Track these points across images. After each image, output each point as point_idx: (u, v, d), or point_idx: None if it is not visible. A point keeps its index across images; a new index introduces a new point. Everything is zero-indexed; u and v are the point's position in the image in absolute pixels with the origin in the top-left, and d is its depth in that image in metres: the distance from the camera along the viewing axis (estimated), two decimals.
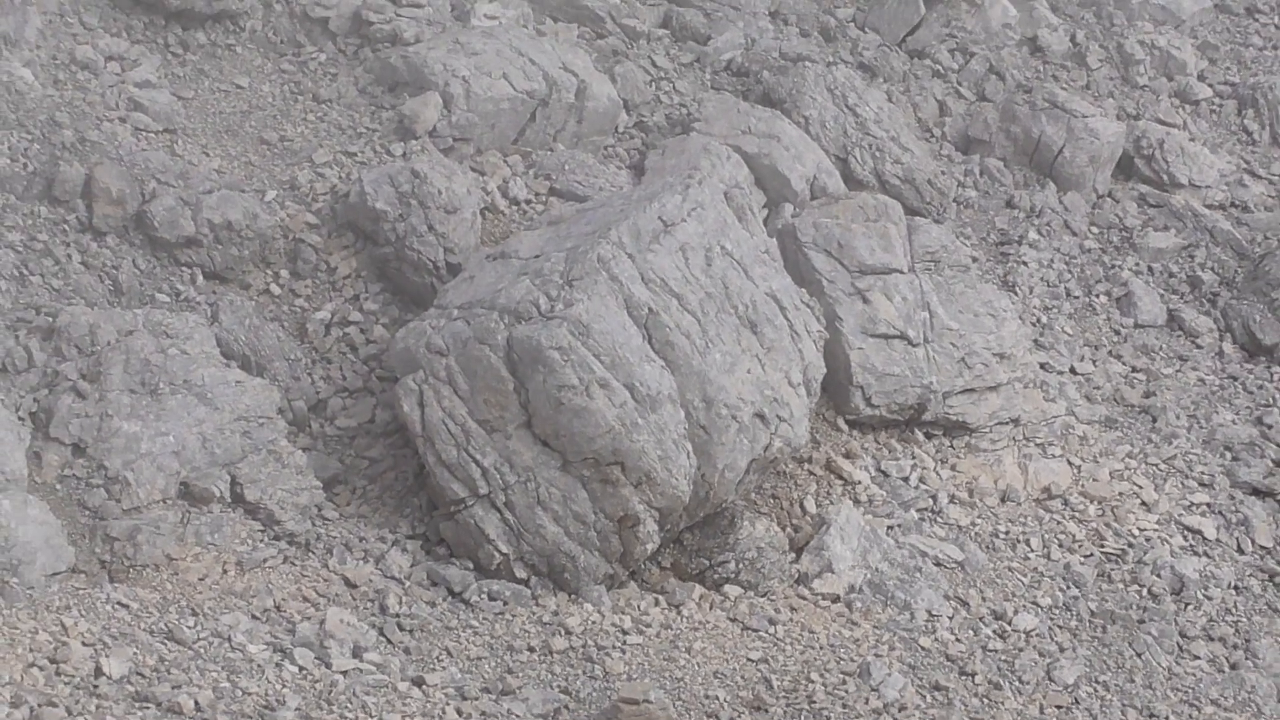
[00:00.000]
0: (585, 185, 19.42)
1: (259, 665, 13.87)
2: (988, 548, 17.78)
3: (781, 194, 20.02)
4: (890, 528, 17.53)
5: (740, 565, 16.57)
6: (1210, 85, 24.23)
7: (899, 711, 15.29)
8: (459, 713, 14.12)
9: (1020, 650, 16.53)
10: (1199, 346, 20.77)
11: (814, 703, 15.20)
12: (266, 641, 14.17)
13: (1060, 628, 17.02)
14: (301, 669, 13.97)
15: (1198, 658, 17.03)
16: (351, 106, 19.69)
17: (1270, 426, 19.90)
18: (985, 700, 15.86)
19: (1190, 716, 16.41)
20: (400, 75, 19.84)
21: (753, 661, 15.54)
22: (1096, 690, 16.35)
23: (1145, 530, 18.31)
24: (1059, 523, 18.25)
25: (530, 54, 20.23)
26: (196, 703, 13.02)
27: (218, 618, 14.31)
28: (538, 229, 17.79)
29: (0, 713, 12.27)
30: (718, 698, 15.07)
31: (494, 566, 15.78)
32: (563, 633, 15.27)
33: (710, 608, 16.06)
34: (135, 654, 13.45)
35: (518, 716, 14.16)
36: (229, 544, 15.19)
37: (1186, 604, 17.60)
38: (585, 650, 15.13)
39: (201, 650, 13.82)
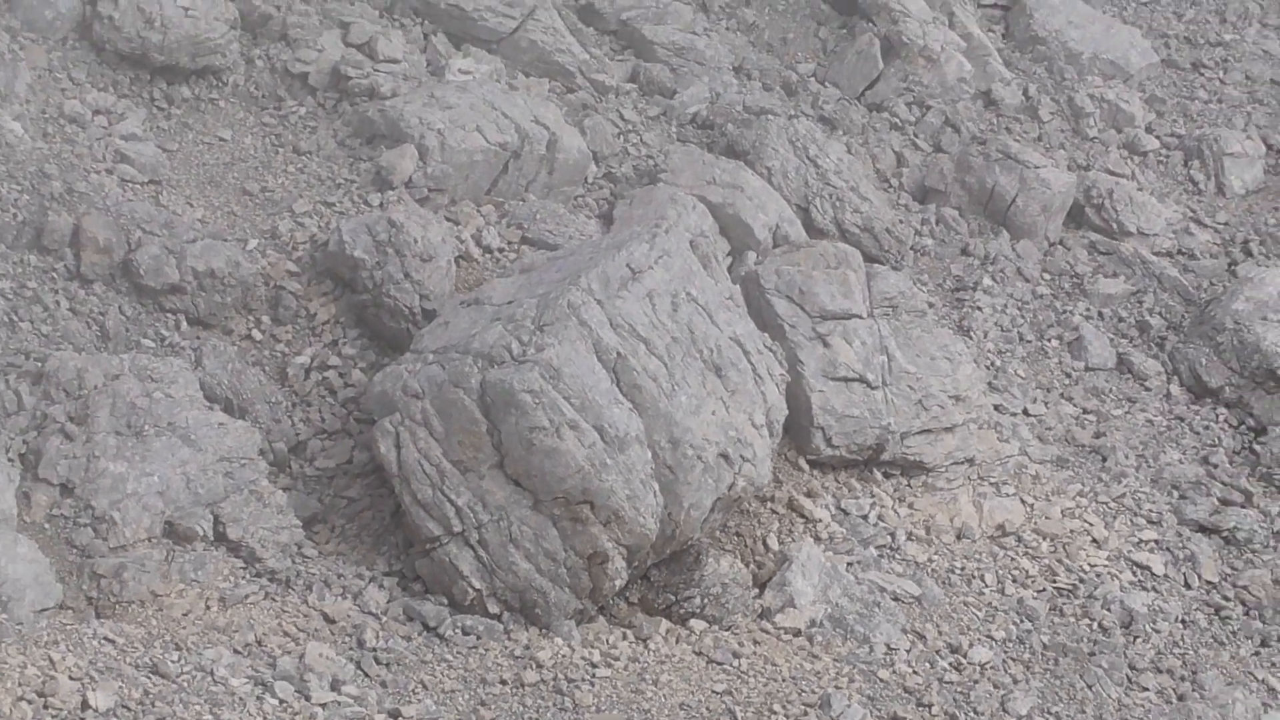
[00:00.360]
0: (556, 234, 19.59)
1: (241, 698, 13.98)
2: (944, 583, 17.90)
3: (745, 242, 20.21)
4: (850, 564, 17.63)
5: (705, 600, 16.69)
6: (1157, 137, 24.49)
7: None
8: None
9: (975, 682, 16.64)
10: (1147, 389, 20.97)
11: None
12: (248, 675, 14.27)
13: (1014, 660, 17.13)
14: (282, 701, 14.07)
15: (1146, 689, 17.14)
16: (330, 158, 19.83)
17: (1216, 466, 20.11)
18: None
19: None
20: (377, 128, 19.99)
21: (718, 693, 15.63)
22: None
23: (1096, 566, 18.45)
24: (1013, 559, 18.37)
25: (503, 108, 20.40)
26: None
27: (201, 652, 14.40)
28: (510, 276, 17.92)
29: None
30: None
31: (468, 602, 15.88)
32: (534, 666, 15.36)
33: (676, 641, 16.15)
34: (121, 687, 13.54)
35: None
36: (212, 581, 15.28)
37: (1135, 637, 17.71)
38: (556, 683, 15.24)
39: (185, 684, 13.93)
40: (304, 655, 14.66)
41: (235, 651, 14.58)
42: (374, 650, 15.13)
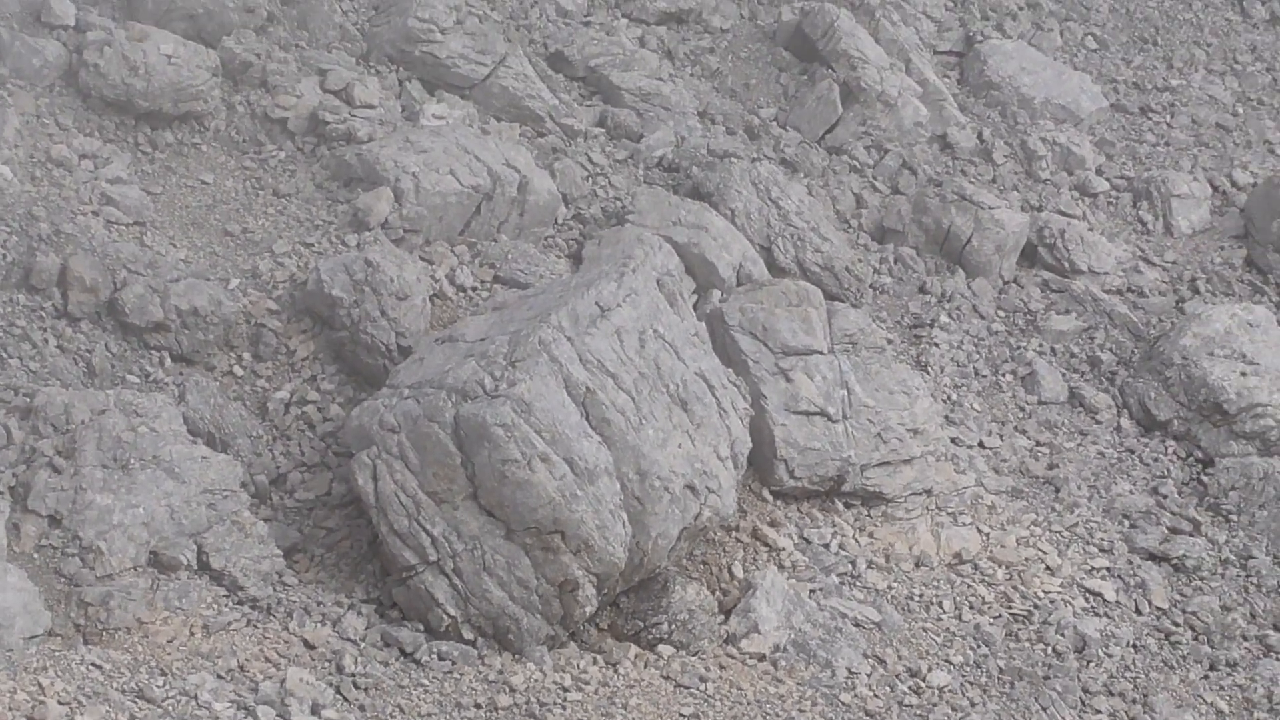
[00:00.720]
0: (527, 273, 19.76)
1: None
2: (903, 609, 18.08)
3: (710, 281, 20.41)
4: (812, 591, 17.77)
5: (673, 626, 16.84)
6: (1107, 179, 24.78)
7: None
8: None
9: (934, 705, 16.84)
10: (1098, 422, 21.19)
11: None
12: (231, 699, 14.38)
13: (971, 684, 17.30)
14: None
15: (1099, 712, 17.32)
16: (309, 200, 19.98)
17: (1165, 496, 20.33)
18: None
19: None
20: (354, 171, 20.15)
21: (685, 717, 15.79)
22: None
23: (1050, 593, 18.63)
24: (969, 586, 18.54)
25: (475, 151, 20.58)
26: None
27: (185, 677, 14.52)
28: (483, 314, 18.10)
29: None
30: None
31: (443, 628, 16.02)
32: (507, 690, 15.50)
33: (645, 666, 16.30)
34: (108, 712, 13.68)
35: None
36: (196, 608, 15.39)
37: (1089, 661, 17.91)
38: (528, 707, 15.39)
39: (170, 708, 14.05)
40: (285, 680, 14.76)
41: (219, 677, 14.69)
42: (353, 675, 15.25)
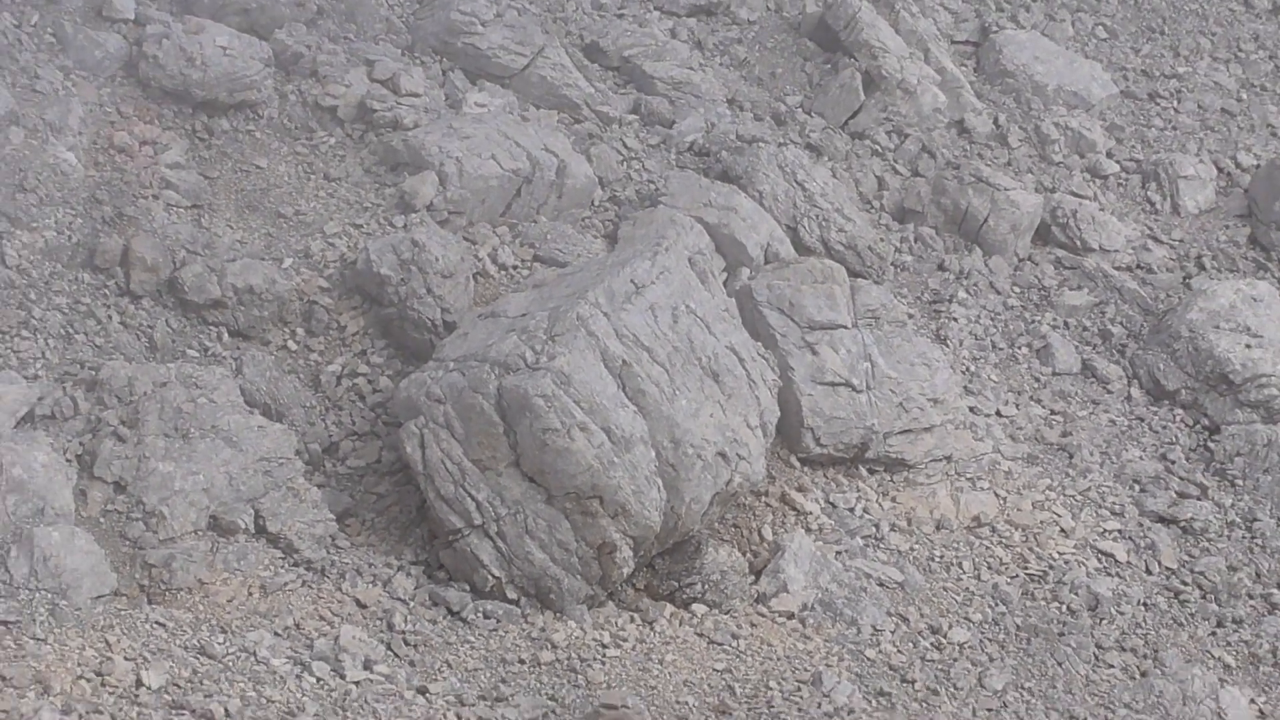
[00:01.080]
0: (565, 252, 19.70)
1: (281, 676, 14.12)
2: (925, 570, 18.00)
3: (739, 259, 20.32)
4: (838, 553, 17.70)
5: (706, 586, 16.79)
6: (1117, 162, 24.60)
7: (848, 715, 15.53)
8: (458, 718, 14.40)
9: (954, 660, 16.76)
10: (1110, 392, 21.08)
11: (772, 708, 15.45)
12: (288, 655, 14.40)
13: (990, 640, 17.21)
14: (319, 679, 14.22)
15: (1112, 666, 17.24)
16: (358, 184, 19.93)
17: (1174, 462, 20.21)
18: (924, 704, 16.12)
19: (1106, 719, 16.60)
20: (401, 156, 20.11)
21: (718, 671, 15.75)
22: (1022, 695, 16.59)
23: (1064, 554, 18.54)
24: (987, 548, 18.45)
25: (516, 137, 20.52)
26: (226, 710, 13.32)
27: (244, 635, 14.55)
28: (524, 291, 18.02)
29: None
30: (687, 703, 15.33)
31: (488, 589, 15.99)
32: (549, 647, 15.49)
33: (680, 624, 16.26)
34: (171, 667, 13.70)
35: None
36: (254, 570, 15.41)
37: (1101, 619, 17.80)
38: (569, 662, 15.38)
39: (230, 664, 14.07)
40: (339, 637, 14.77)
41: (276, 634, 14.71)
42: (403, 633, 15.27)
